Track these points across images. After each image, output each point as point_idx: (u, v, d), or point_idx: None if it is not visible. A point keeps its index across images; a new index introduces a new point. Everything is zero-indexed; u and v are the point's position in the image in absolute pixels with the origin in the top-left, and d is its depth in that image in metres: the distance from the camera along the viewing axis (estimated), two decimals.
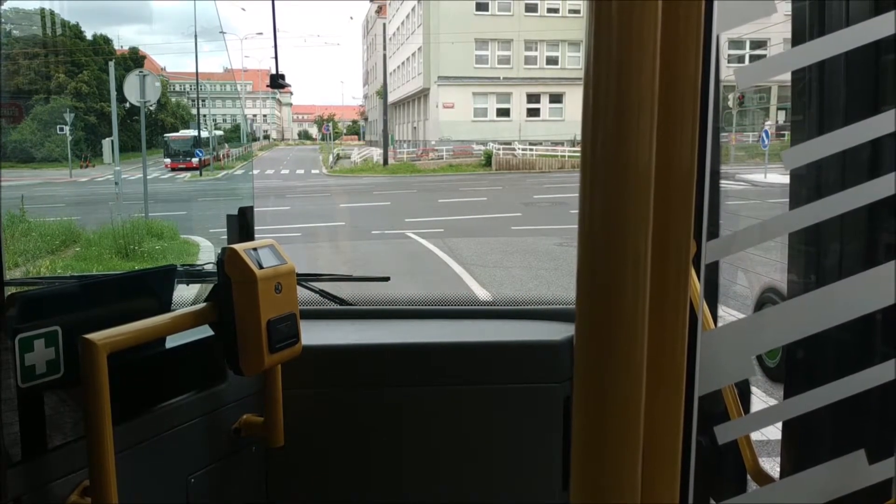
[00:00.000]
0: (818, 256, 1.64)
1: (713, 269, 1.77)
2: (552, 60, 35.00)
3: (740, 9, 0.95)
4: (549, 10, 34.54)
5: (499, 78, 34.84)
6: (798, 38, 1.66)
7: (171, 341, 1.71)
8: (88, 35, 17.60)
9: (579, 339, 0.81)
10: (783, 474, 1.71)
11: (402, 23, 40.50)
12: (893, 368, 1.00)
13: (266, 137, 69.22)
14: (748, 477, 1.48)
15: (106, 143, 12.54)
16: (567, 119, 33.15)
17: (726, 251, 1.04)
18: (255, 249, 1.66)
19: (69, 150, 15.47)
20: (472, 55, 34.58)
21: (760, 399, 2.66)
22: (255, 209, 2.04)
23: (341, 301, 2.33)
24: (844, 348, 1.51)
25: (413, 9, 37.70)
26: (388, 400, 2.05)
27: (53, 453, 1.42)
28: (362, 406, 2.05)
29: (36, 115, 15.41)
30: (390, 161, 31.75)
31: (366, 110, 62.43)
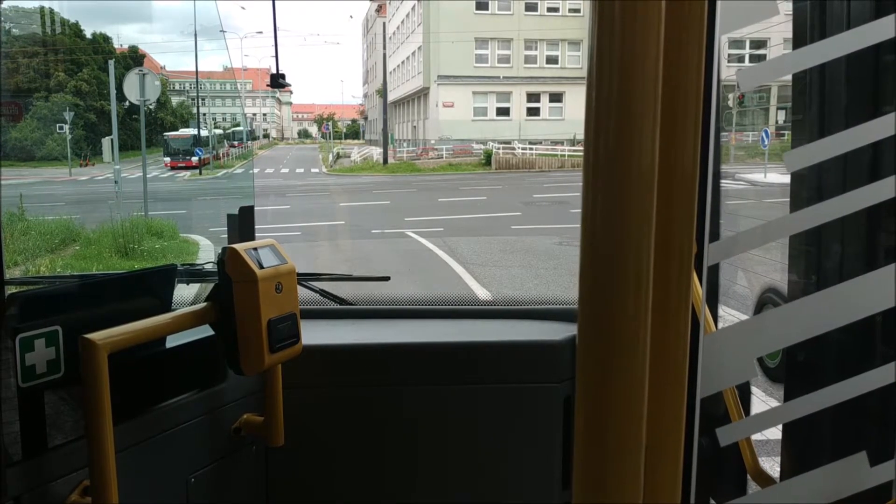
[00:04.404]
0: (819, 257, 1.63)
1: (713, 270, 1.77)
2: (552, 59, 35.00)
3: (743, 10, 0.95)
4: (549, 10, 34.53)
5: (499, 77, 34.83)
6: (799, 38, 1.65)
7: (172, 341, 1.71)
8: (88, 33, 17.60)
9: (582, 340, 0.81)
10: (783, 475, 1.71)
11: (402, 22, 40.48)
12: (894, 371, 1.00)
13: (266, 136, 69.21)
14: (748, 477, 1.48)
15: (105, 141, 12.54)
16: (567, 118, 33.16)
17: (728, 253, 1.04)
18: (255, 249, 1.65)
19: (69, 148, 15.46)
20: (471, 54, 34.56)
21: (760, 399, 2.65)
22: (256, 208, 2.03)
23: (341, 301, 2.33)
24: (845, 350, 1.51)
25: (413, 8, 37.68)
26: (388, 399, 2.05)
27: (54, 453, 1.42)
28: (362, 405, 2.05)
29: (35, 114, 15.41)
30: (390, 160, 31.76)
31: (366, 109, 62.39)
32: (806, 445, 1.63)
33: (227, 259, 1.61)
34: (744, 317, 2.41)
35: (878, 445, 1.35)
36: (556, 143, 31.31)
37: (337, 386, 2.04)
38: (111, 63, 14.28)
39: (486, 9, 34.51)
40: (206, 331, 1.69)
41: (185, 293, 2.10)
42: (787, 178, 1.69)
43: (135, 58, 18.78)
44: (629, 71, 0.76)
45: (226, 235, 2.00)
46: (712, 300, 1.82)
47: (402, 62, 40.87)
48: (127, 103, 13.62)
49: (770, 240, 1.01)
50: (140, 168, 13.66)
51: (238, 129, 40.38)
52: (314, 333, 1.98)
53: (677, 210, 0.81)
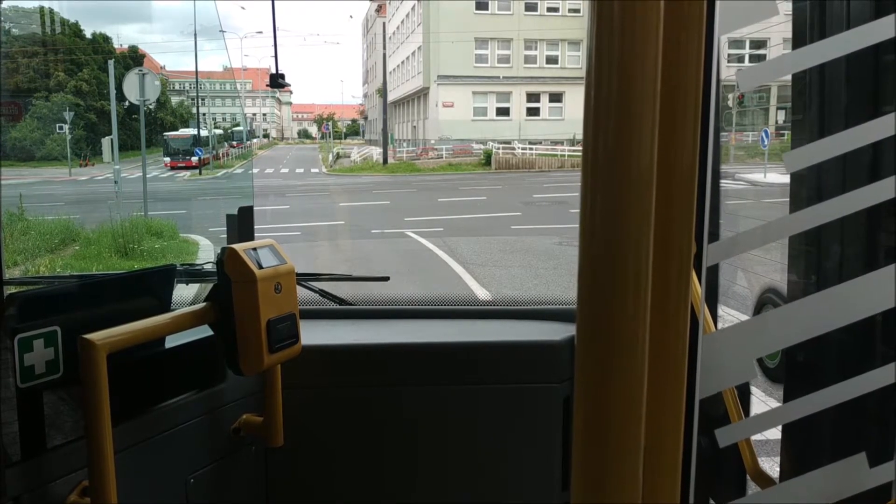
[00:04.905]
0: (819, 258, 1.63)
1: (713, 270, 1.77)
2: (552, 59, 34.99)
3: (742, 10, 0.95)
4: (549, 10, 34.53)
5: (498, 77, 34.82)
6: (798, 38, 1.65)
7: (171, 341, 1.71)
8: (88, 33, 17.61)
9: (581, 340, 0.81)
10: (783, 475, 1.71)
11: (402, 22, 40.48)
12: (894, 371, 1.00)
13: (266, 136, 69.24)
14: (748, 478, 1.48)
15: (105, 141, 12.55)
16: (566, 118, 33.15)
17: (727, 254, 1.03)
18: (254, 249, 1.65)
19: (69, 148, 15.47)
20: (471, 54, 34.56)
21: (759, 399, 2.65)
22: (255, 208, 2.03)
23: (341, 301, 2.33)
24: (845, 350, 1.51)
25: (413, 8, 37.68)
26: (388, 400, 2.05)
27: (53, 453, 1.42)
28: (362, 406, 2.05)
29: (35, 114, 15.41)
30: (390, 160, 31.75)
31: (366, 109, 62.35)
32: (806, 446, 1.62)
33: (227, 259, 1.61)
34: (744, 317, 2.41)
35: (877, 446, 1.35)
36: (555, 143, 31.29)
37: (336, 386, 2.04)
38: (111, 63, 14.29)
39: (486, 9, 34.50)
40: (205, 331, 1.68)
41: (185, 293, 2.10)
42: (786, 179, 1.69)
43: (135, 58, 18.80)
44: (628, 71, 0.75)
45: (225, 235, 2.00)
46: (712, 300, 1.82)
47: (402, 62, 40.86)
48: (127, 103, 13.64)
49: (770, 240, 1.00)
50: (140, 168, 13.67)
51: (238, 129, 40.43)
52: (313, 334, 1.98)
53: (676, 210, 0.81)
